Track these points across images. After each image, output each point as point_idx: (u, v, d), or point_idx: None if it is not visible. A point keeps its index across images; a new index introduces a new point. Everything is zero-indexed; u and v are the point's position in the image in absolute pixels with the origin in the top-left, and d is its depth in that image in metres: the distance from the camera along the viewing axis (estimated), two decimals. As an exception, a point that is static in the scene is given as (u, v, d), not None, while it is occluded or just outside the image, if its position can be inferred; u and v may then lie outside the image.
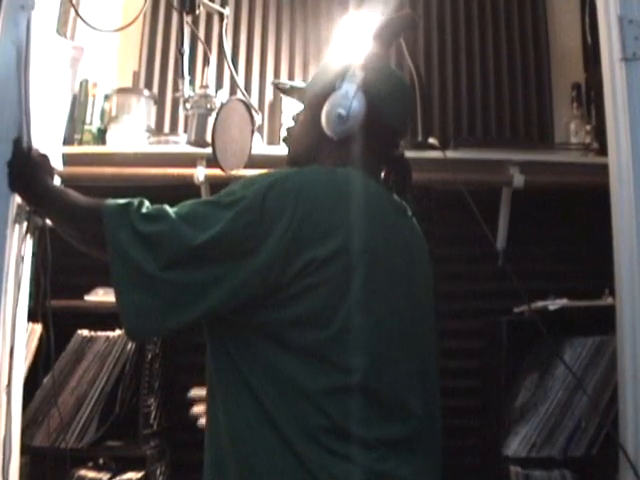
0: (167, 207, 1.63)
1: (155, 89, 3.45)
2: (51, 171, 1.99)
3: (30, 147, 2.00)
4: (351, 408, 1.54)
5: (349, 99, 1.74)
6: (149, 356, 2.77)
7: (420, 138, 3.02)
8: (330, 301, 1.55)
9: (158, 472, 2.79)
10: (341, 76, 1.79)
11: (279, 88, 2.07)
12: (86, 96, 3.14)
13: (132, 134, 3.04)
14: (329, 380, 1.53)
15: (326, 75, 1.86)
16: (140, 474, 2.69)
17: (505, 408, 2.71)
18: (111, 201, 1.66)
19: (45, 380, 2.61)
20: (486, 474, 2.87)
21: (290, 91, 2.05)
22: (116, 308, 1.60)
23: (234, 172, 2.31)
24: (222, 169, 2.28)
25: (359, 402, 1.55)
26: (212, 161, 2.32)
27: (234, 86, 3.28)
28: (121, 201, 1.65)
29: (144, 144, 3.05)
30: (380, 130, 1.80)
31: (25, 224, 2.10)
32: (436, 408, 1.75)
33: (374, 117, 1.78)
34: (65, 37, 2.96)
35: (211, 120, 2.32)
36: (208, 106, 2.39)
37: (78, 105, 3.12)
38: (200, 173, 2.91)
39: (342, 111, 1.74)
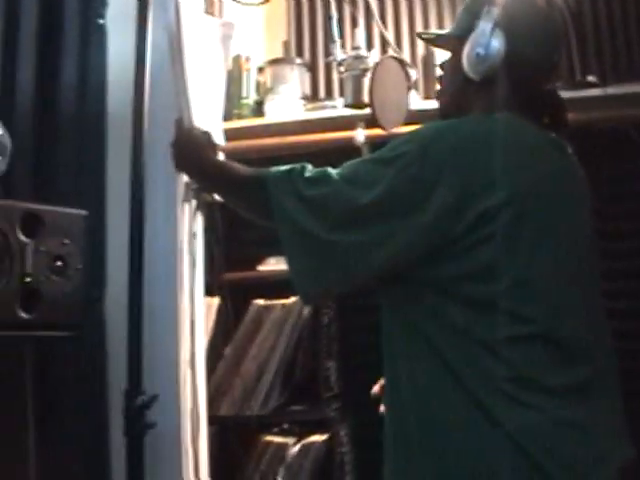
0: (330, 169, 1.64)
1: (306, 56, 3.46)
2: (214, 147, 2.03)
3: (192, 126, 2.04)
4: (533, 356, 1.51)
5: (486, 37, 1.69)
6: (325, 319, 2.79)
7: (578, 76, 2.92)
8: (503, 252, 1.51)
9: (342, 433, 2.82)
10: (478, 15, 1.74)
11: (424, 39, 2.03)
12: (240, 71, 3.18)
13: (289, 103, 3.07)
14: (508, 330, 1.51)
15: (464, 17, 1.81)
16: (324, 436, 2.74)
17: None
18: (274, 169, 1.68)
19: (226, 351, 2.68)
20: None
21: (435, 40, 2.01)
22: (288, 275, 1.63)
23: (394, 130, 2.29)
24: (382, 128, 2.27)
25: (540, 350, 1.52)
26: (371, 122, 2.32)
27: (385, 44, 3.25)
28: (284, 168, 1.67)
29: (301, 112, 3.08)
30: (524, 66, 1.72)
31: (194, 201, 2.16)
32: (612, 350, 1.70)
33: (516, 53, 1.69)
34: (213, 16, 3.00)
35: (367, 81, 2.32)
36: (362, 67, 2.38)
37: (233, 80, 3.16)
38: (360, 135, 2.91)
39: (480, 50, 1.68)
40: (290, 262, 1.63)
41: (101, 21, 2.54)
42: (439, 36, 2.00)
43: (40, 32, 2.31)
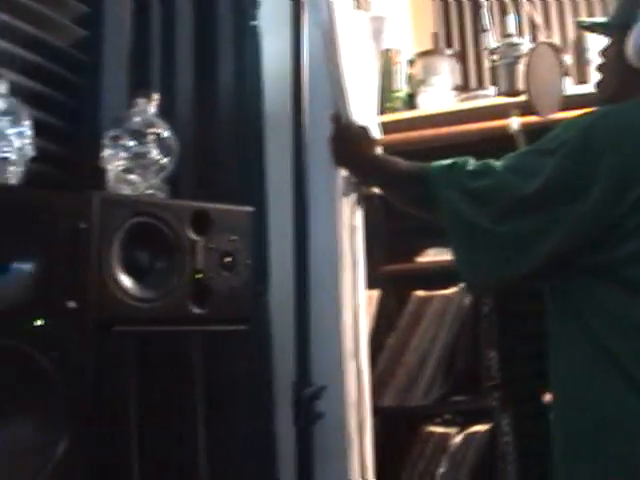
0: (492, 161, 1.65)
1: (455, 46, 3.46)
2: (372, 141, 2.06)
3: (350, 121, 2.07)
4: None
5: None
6: (486, 309, 2.78)
7: None
8: None
9: (504, 423, 2.81)
10: None
11: (582, 26, 2.01)
12: (390, 64, 3.19)
13: (441, 94, 3.07)
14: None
15: (626, 6, 1.78)
16: (487, 426, 2.73)
17: None
18: (436, 163, 1.72)
19: (388, 342, 2.71)
20: None
21: (594, 28, 1.98)
22: (448, 266, 1.65)
23: (550, 116, 2.28)
24: (538, 115, 2.26)
25: None
26: (524, 109, 2.30)
27: (535, 30, 3.21)
28: (446, 162, 1.70)
29: (454, 102, 3.07)
30: None
31: (354, 195, 2.19)
32: None
33: None
34: (362, 11, 3.03)
35: (521, 68, 2.31)
36: (515, 54, 2.37)
37: (384, 74, 3.17)
38: (514, 122, 2.88)
39: None
40: (457, 254, 1.66)
41: (254, 23, 2.61)
42: (599, 24, 1.97)
43: (196, 36, 2.39)
